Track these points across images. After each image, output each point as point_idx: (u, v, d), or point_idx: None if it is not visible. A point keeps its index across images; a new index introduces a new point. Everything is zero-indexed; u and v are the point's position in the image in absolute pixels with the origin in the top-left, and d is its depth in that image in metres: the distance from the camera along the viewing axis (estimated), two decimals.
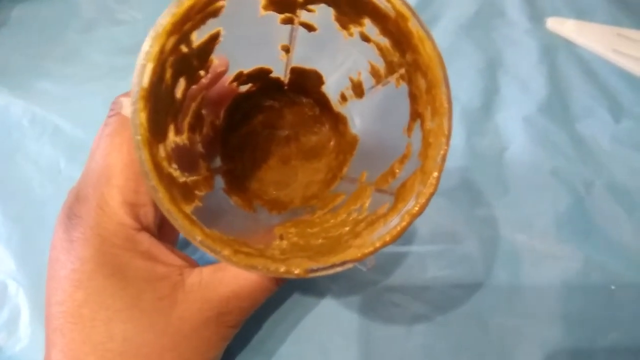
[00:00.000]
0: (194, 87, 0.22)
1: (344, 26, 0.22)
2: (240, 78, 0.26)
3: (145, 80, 0.17)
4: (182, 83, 0.21)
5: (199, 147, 0.25)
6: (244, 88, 0.27)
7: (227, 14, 0.20)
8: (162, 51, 0.18)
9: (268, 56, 0.25)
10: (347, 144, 0.27)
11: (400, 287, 0.28)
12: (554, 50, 0.41)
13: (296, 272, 0.18)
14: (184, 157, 0.21)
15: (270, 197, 0.28)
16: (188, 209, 0.18)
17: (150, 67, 0.17)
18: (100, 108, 0.36)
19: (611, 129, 0.36)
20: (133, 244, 0.21)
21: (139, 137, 0.17)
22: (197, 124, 0.24)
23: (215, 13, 0.20)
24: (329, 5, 0.21)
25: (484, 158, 0.34)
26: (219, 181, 0.26)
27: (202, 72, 0.22)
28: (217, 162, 0.27)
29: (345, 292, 0.28)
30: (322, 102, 0.28)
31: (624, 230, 0.31)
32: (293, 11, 0.22)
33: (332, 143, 0.28)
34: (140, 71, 0.17)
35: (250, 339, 0.27)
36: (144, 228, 0.21)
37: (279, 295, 0.28)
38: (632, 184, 0.33)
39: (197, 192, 0.21)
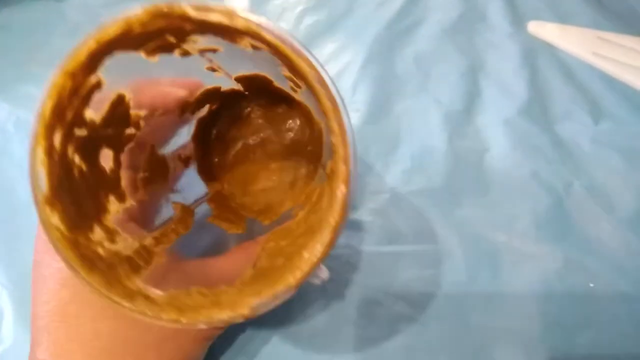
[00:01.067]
0: (131, 145, 0.21)
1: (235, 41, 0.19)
2: (188, 106, 0.24)
3: (44, 185, 0.16)
4: (107, 154, 0.19)
5: (171, 187, 0.24)
6: (202, 112, 0.26)
7: (118, 73, 0.18)
8: (50, 152, 0.16)
9: (205, 78, 0.24)
10: (318, 132, 0.26)
11: (382, 286, 0.29)
12: (535, 54, 0.42)
13: (245, 313, 0.17)
14: (146, 213, 0.21)
15: (261, 206, 0.27)
16: (138, 279, 0.17)
17: (43, 172, 0.16)
18: None
19: (591, 131, 0.37)
20: None
21: (57, 241, 0.16)
22: (157, 170, 0.23)
23: (94, 88, 0.18)
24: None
25: (465, 160, 0.34)
26: (203, 212, 0.25)
27: (140, 122, 0.21)
28: (194, 195, 0.26)
29: (327, 292, 0.28)
30: (284, 97, 0.26)
31: (603, 229, 0.32)
32: (179, 46, 0.19)
33: (306, 134, 0.28)
34: (33, 178, 0.16)
35: (234, 339, 0.27)
36: None
37: None
38: (611, 184, 0.34)
39: (158, 248, 0.20)
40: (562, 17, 0.45)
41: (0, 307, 0.28)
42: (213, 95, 0.25)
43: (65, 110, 0.17)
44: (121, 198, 0.20)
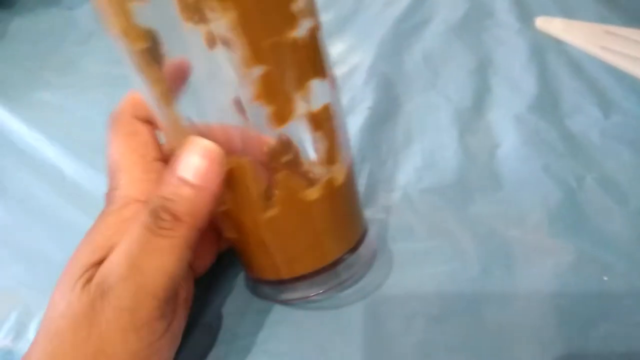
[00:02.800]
0: None
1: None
2: None
3: None
4: None
5: None
6: None
7: None
8: None
9: None
10: None
11: (395, 284, 0.29)
12: (543, 49, 0.42)
13: None
14: None
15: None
16: None
17: None
18: (98, 116, 0.37)
19: (601, 125, 0.37)
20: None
21: None
22: None
23: None
24: None
25: (476, 156, 0.35)
26: None
27: None
28: None
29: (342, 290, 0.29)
30: None
31: (615, 222, 0.32)
32: None
33: None
34: None
35: (246, 337, 0.28)
36: None
37: None
38: (622, 177, 0.34)
39: None
40: (569, 12, 0.45)
41: (27, 307, 0.28)
42: None
43: None
44: None
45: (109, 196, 0.23)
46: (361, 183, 0.33)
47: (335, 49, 0.40)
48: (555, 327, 0.28)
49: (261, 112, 0.20)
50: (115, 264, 0.20)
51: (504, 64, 0.41)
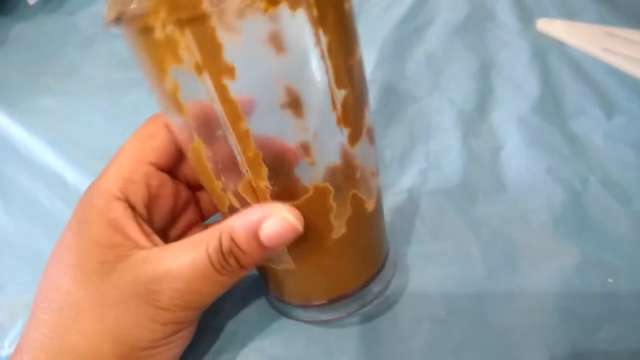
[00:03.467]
0: None
1: None
2: None
3: None
4: None
5: None
6: None
7: None
8: None
9: None
10: None
11: (401, 286, 0.29)
12: (545, 51, 0.42)
13: None
14: None
15: None
16: None
17: None
18: (100, 120, 0.37)
19: (604, 126, 0.37)
20: (107, 209, 0.22)
21: None
22: None
23: None
24: None
25: (480, 158, 0.35)
26: None
27: None
28: None
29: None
30: None
31: (620, 223, 0.32)
32: None
33: None
34: None
35: (251, 339, 0.28)
36: (130, 204, 0.23)
37: None
38: (625, 178, 0.34)
39: None
40: (570, 14, 0.46)
41: None
42: None
43: None
44: None
45: (91, 186, 0.24)
46: None
47: None
48: (560, 328, 0.28)
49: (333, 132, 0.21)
50: (172, 278, 0.21)
51: (506, 66, 0.41)
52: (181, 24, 0.17)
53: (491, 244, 0.31)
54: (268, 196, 0.21)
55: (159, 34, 0.17)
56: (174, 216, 0.26)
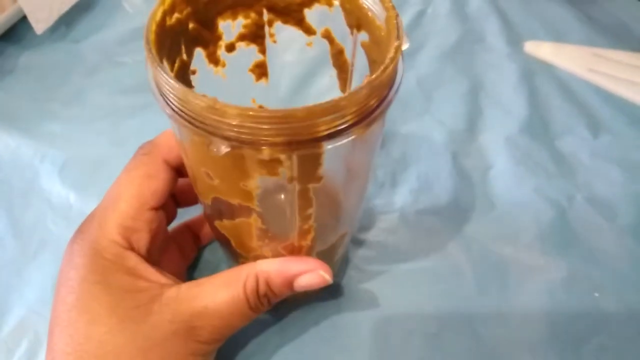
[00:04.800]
0: None
1: None
2: None
3: None
4: None
5: None
6: None
7: None
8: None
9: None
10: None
11: (394, 304, 0.30)
12: (532, 73, 0.44)
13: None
14: None
15: None
16: None
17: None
18: (105, 145, 0.38)
19: (590, 145, 0.39)
20: (121, 259, 0.23)
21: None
22: None
23: None
24: None
25: (470, 177, 0.36)
26: None
27: None
28: None
29: (341, 308, 0.30)
30: None
31: (606, 239, 0.33)
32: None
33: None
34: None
35: (249, 354, 0.29)
36: (135, 250, 0.23)
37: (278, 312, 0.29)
38: (611, 195, 0.35)
39: None
40: (557, 36, 0.47)
41: (37, 334, 0.29)
42: None
43: None
44: None
45: (91, 227, 0.24)
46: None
47: (328, 76, 0.42)
48: (548, 342, 0.29)
49: None
50: (211, 315, 0.22)
51: (495, 87, 0.42)
52: (292, 149, 0.17)
53: (481, 260, 0.32)
54: (304, 252, 0.25)
55: (264, 155, 0.17)
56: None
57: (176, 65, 0.22)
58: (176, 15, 0.21)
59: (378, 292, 0.30)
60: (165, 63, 0.21)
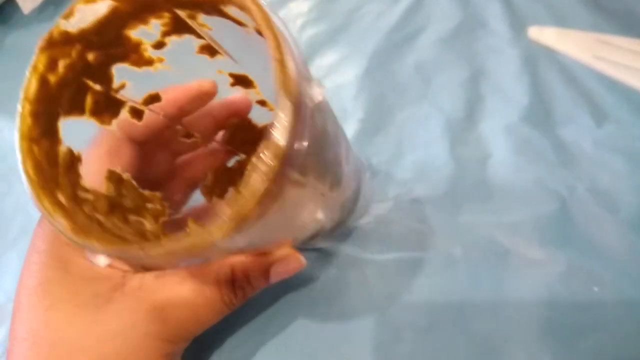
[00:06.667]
0: None
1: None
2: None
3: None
4: None
5: None
6: None
7: None
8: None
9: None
10: None
11: (386, 294, 0.29)
12: (535, 59, 0.42)
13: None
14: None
15: None
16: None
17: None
18: (90, 128, 0.37)
19: (593, 134, 0.37)
20: None
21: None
22: None
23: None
24: None
25: (467, 167, 0.35)
26: None
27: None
28: None
29: (328, 300, 0.29)
30: None
31: (606, 232, 0.32)
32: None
33: None
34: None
35: (246, 348, 0.28)
36: None
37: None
38: (614, 186, 0.34)
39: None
40: (562, 21, 0.45)
41: None
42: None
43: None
44: None
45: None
46: None
47: (327, 60, 0.41)
48: (544, 338, 0.28)
49: None
50: (176, 306, 0.21)
51: (496, 73, 0.41)
52: None
53: (476, 252, 0.31)
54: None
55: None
56: None
57: (88, 100, 0.21)
58: (62, 62, 0.20)
59: (368, 284, 0.29)
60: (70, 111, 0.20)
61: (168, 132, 0.26)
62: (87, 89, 0.22)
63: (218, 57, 0.25)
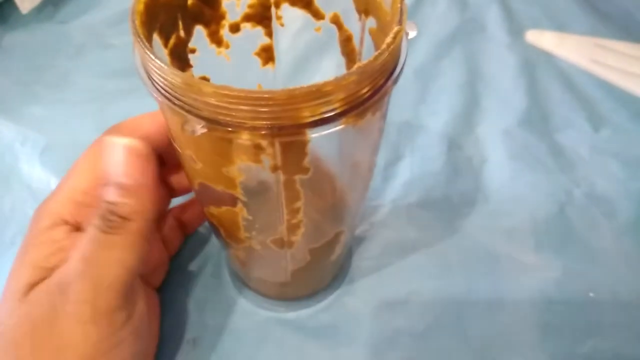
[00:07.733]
0: None
1: None
2: None
3: None
4: None
5: None
6: None
7: None
8: None
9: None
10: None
11: (383, 298, 0.29)
12: (533, 63, 0.42)
13: None
14: None
15: None
16: None
17: None
18: (89, 130, 0.37)
19: (590, 139, 0.37)
20: (50, 229, 0.22)
21: None
22: None
23: None
24: None
25: (464, 171, 0.35)
26: None
27: None
28: None
29: (324, 304, 0.29)
30: None
31: (603, 237, 0.32)
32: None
33: None
34: None
35: (235, 354, 0.28)
36: (83, 227, 0.22)
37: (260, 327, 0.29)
38: (611, 191, 0.34)
39: None
40: (560, 26, 0.46)
41: None
42: None
43: None
44: None
45: (41, 207, 0.23)
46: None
47: (325, 63, 0.40)
48: (540, 343, 0.28)
49: None
50: (72, 263, 0.20)
51: (494, 78, 0.41)
52: (272, 135, 0.16)
53: (473, 256, 0.31)
54: (294, 247, 0.23)
55: (243, 139, 0.16)
56: None
57: (171, 41, 0.21)
58: None
59: (364, 288, 0.29)
60: (158, 37, 0.20)
61: None
62: (177, 27, 0.22)
63: (268, 66, 0.26)
